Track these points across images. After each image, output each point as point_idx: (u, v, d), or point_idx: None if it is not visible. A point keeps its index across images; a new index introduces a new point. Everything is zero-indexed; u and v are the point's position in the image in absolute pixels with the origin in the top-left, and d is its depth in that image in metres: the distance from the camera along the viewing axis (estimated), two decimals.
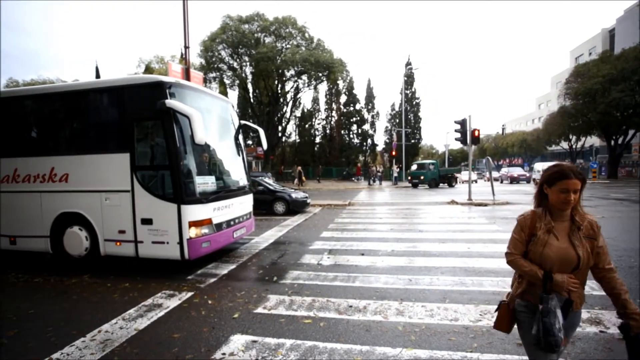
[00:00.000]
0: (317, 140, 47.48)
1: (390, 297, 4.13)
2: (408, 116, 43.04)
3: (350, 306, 3.87)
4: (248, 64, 30.61)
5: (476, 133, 14.08)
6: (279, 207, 11.40)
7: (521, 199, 15.81)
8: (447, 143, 57.12)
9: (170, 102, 4.63)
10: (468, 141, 14.09)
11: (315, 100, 47.54)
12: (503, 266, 5.16)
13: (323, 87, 43.01)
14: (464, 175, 32.55)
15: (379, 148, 49.13)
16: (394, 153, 31.67)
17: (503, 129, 47.30)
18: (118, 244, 5.11)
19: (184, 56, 12.68)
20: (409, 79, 43.77)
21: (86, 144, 5.37)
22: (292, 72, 30.89)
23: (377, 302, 3.96)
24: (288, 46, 29.68)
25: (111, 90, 5.22)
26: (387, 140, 46.27)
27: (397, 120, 41.96)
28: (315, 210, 12.68)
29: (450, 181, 26.59)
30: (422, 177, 25.98)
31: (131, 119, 4.98)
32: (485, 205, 13.34)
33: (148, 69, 32.45)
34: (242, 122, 6.82)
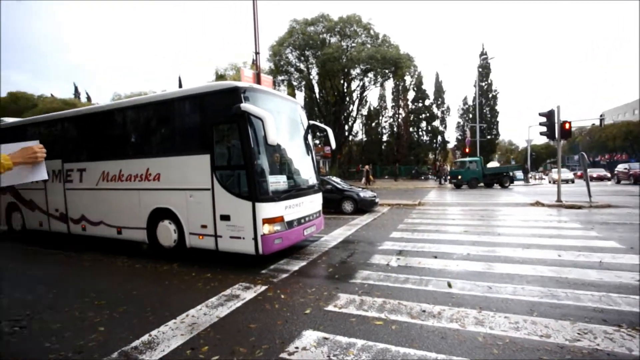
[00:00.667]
0: (385, 138, 46.59)
1: (467, 304, 3.86)
2: (483, 110, 39.92)
3: (424, 311, 3.70)
4: (314, 65, 31.26)
5: (567, 126, 12.44)
6: (347, 206, 11.44)
7: (627, 201, 13.57)
8: (529, 138, 51.59)
9: (245, 106, 4.93)
10: (557, 135, 12.53)
11: (382, 98, 46.74)
12: (607, 279, 4.49)
13: (390, 84, 42.09)
14: (553, 173, 28.80)
15: (451, 145, 46.43)
16: (467, 150, 29.65)
17: (602, 120, 41.14)
18: (201, 237, 5.61)
19: (254, 62, 13.40)
20: (484, 70, 40.59)
21: (174, 146, 5.99)
22: (357, 70, 30.78)
23: (452, 309, 3.73)
24: (353, 45, 29.63)
25: (193, 97, 5.74)
26: (460, 137, 43.51)
27: (471, 115, 39.19)
28: (383, 209, 12.46)
29: (503, 181, 23.49)
30: (459, 177, 23.79)
31: (211, 123, 5.42)
32: (580, 207, 11.72)
33: (220, 77, 35.03)
34: (311, 122, 6.98)
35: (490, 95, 41.40)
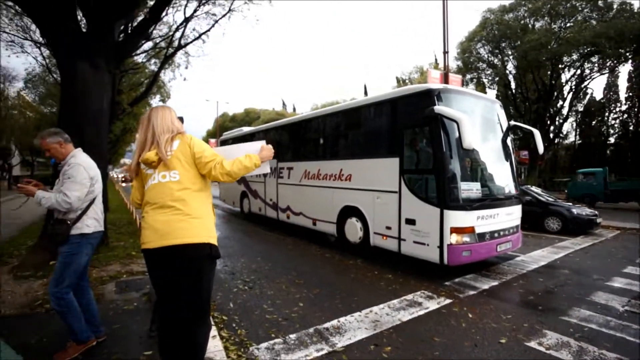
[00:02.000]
0: (611, 140, 35.69)
1: None
2: None
3: None
4: (511, 57, 27.16)
5: None
6: (552, 224, 9.34)
7: None
8: None
9: (439, 108, 4.73)
10: None
11: (611, 88, 35.92)
12: None
13: (625, 68, 31.83)
14: None
15: None
16: None
17: None
18: (384, 238, 5.77)
19: (438, 62, 12.82)
20: None
21: (365, 149, 6.40)
22: (574, 56, 24.71)
23: None
24: (569, 24, 23.96)
25: (385, 102, 5.95)
26: None
27: None
28: (608, 233, 9.51)
29: None
30: (565, 191, 17.27)
31: (401, 126, 5.48)
32: None
33: (399, 82, 35.22)
34: (512, 123, 6.03)
35: None
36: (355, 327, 3.56)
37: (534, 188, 10.82)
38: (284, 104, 72.94)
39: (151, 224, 1.94)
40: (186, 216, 1.92)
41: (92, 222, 2.75)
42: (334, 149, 7.30)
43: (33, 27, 12.69)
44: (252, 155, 2.14)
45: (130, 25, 7.90)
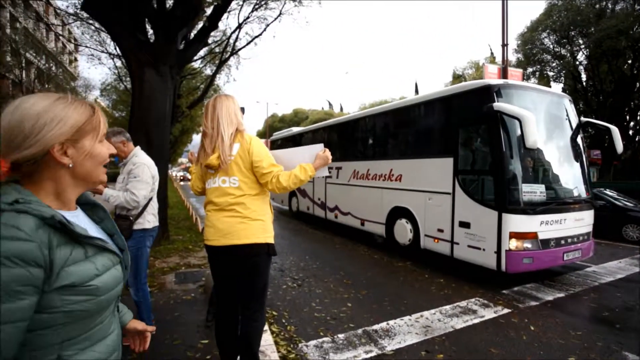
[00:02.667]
0: None
1: None
2: None
3: None
4: (582, 46, 24.61)
5: None
6: (632, 232, 8.31)
7: None
8: None
9: (498, 105, 4.43)
10: None
11: None
12: None
13: None
14: None
15: None
16: None
17: None
18: (436, 240, 5.55)
19: (495, 55, 11.98)
20: None
21: (416, 149, 6.21)
22: None
23: None
24: None
25: (439, 100, 5.71)
26: None
27: None
28: None
29: None
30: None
31: (456, 125, 5.23)
32: None
33: (457, 78, 33.52)
34: (585, 119, 5.46)
35: None
36: (405, 331, 3.47)
37: (609, 191, 9.71)
38: (330, 104, 73.27)
39: (214, 223, 2.06)
40: (245, 218, 2.02)
41: (151, 218, 2.96)
42: (384, 148, 7.17)
43: (108, 40, 14.16)
44: (307, 167, 2.15)
45: (190, 33, 8.46)
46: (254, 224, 2.03)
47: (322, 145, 2.28)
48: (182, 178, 48.22)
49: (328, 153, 2.24)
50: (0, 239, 0.65)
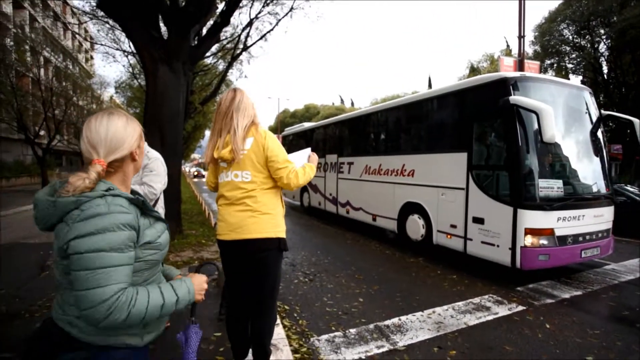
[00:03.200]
0: None
1: None
2: None
3: None
4: (604, 37, 23.76)
5: None
6: None
7: None
8: None
9: (515, 99, 4.32)
10: None
11: None
12: None
13: None
14: None
15: None
16: None
17: None
18: (448, 236, 5.49)
19: (510, 47, 11.70)
20: None
21: (430, 144, 6.13)
22: None
23: None
24: None
25: (453, 94, 5.61)
26: None
27: None
28: None
29: None
30: None
31: (471, 119, 5.13)
32: None
33: (474, 71, 32.84)
34: (605, 112, 5.28)
35: None
36: (417, 327, 3.45)
37: (630, 187, 9.40)
38: (341, 99, 72.90)
39: (225, 217, 2.08)
40: (255, 212, 2.02)
41: (162, 211, 3.05)
42: (396, 143, 7.10)
43: (122, 38, 14.40)
44: (312, 166, 2.28)
45: (202, 29, 8.52)
46: (264, 218, 2.03)
47: (309, 149, 2.43)
48: (195, 174, 48.82)
49: (315, 155, 2.41)
50: (114, 213, 0.98)
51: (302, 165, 2.22)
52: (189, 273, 1.31)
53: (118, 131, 1.09)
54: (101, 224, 0.95)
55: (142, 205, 1.10)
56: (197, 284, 1.21)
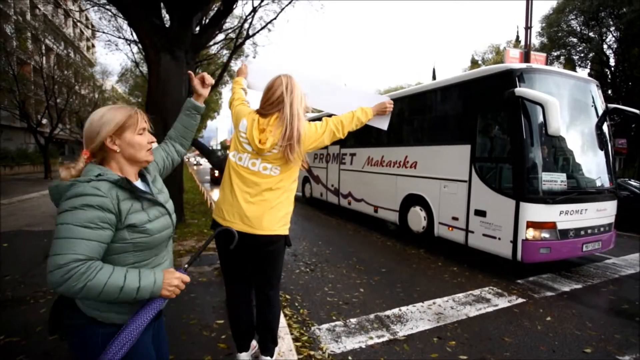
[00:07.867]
0: None
1: None
2: None
3: None
4: (613, 29, 23.36)
5: None
6: None
7: None
8: None
9: (520, 90, 4.27)
10: None
11: None
12: None
13: None
14: None
15: None
16: None
17: None
18: (450, 229, 5.49)
19: (519, 39, 11.55)
20: None
21: (433, 136, 6.10)
22: None
23: None
24: None
25: (458, 86, 5.55)
26: None
27: None
28: None
29: None
30: None
31: (475, 111, 5.08)
32: None
33: (475, 64, 32.38)
34: (612, 105, 5.22)
35: None
36: (417, 317, 3.48)
37: (633, 182, 9.35)
38: None
39: (241, 205, 1.94)
40: (274, 209, 1.96)
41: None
42: (399, 135, 7.06)
43: (124, 26, 14.27)
44: (368, 110, 2.16)
45: (204, 18, 8.42)
46: (278, 215, 1.97)
47: (386, 96, 2.27)
48: (196, 163, 48.88)
49: (389, 105, 2.24)
50: (87, 195, 1.06)
51: (357, 108, 2.13)
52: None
53: (93, 123, 1.18)
54: (75, 203, 1.05)
55: (129, 187, 1.16)
56: (167, 279, 1.18)
